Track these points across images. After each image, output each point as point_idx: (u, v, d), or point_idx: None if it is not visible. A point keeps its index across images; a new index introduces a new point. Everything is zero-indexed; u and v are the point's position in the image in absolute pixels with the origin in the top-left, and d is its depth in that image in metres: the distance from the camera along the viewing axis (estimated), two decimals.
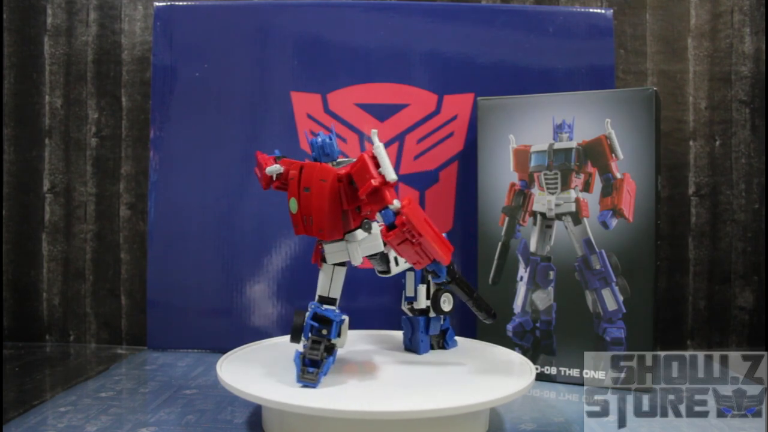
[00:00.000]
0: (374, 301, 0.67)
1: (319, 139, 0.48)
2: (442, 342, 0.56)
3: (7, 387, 0.56)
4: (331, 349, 0.46)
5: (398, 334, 0.60)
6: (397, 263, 0.51)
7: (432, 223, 0.44)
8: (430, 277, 0.52)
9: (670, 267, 0.77)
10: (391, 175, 0.45)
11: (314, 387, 0.44)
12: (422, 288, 0.54)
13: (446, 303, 0.54)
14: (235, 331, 0.68)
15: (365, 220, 0.49)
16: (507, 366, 0.50)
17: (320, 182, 0.46)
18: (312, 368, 0.45)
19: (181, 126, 0.70)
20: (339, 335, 0.47)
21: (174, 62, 0.70)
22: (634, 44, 0.78)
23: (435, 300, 0.53)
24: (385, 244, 0.47)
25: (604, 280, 0.57)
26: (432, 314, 0.54)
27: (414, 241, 0.43)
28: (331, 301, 0.50)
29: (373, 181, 0.45)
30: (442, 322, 0.55)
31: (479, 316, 0.50)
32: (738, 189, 0.78)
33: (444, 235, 0.46)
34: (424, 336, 0.54)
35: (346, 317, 0.47)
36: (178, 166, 0.70)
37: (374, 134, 0.47)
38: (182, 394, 0.54)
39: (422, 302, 0.54)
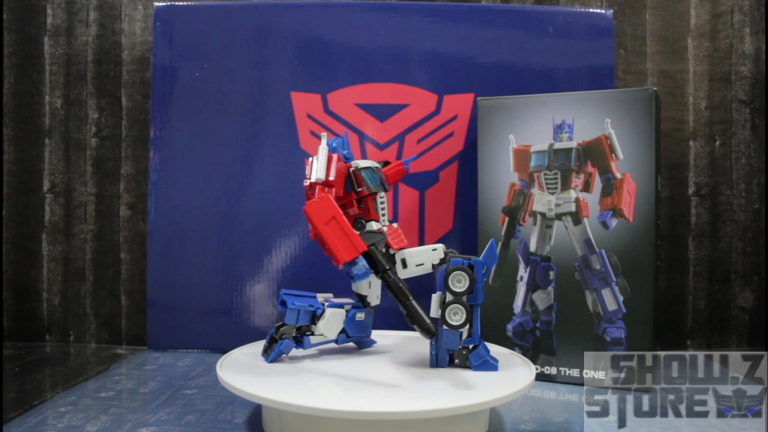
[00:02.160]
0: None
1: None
2: (467, 361, 0.48)
3: (7, 387, 0.56)
4: (300, 333, 0.50)
5: (411, 335, 0.60)
6: (405, 265, 0.50)
7: (344, 222, 0.43)
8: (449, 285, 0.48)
9: (670, 267, 0.77)
10: (316, 175, 0.46)
11: (267, 361, 0.48)
12: (435, 296, 0.48)
13: (456, 315, 0.47)
14: (235, 331, 0.68)
15: (357, 220, 0.49)
16: (507, 366, 0.50)
17: None
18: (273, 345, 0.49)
19: (181, 126, 0.70)
20: (311, 323, 0.49)
21: (174, 62, 0.70)
22: (634, 44, 0.78)
23: (443, 311, 0.48)
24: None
25: (604, 280, 0.57)
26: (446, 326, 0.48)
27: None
28: (361, 298, 0.52)
29: (304, 180, 0.47)
30: (465, 336, 0.48)
31: (416, 329, 0.44)
32: (738, 189, 0.78)
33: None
34: (433, 347, 0.49)
35: (331, 309, 0.49)
36: (178, 166, 0.70)
37: (323, 136, 0.48)
38: (182, 394, 0.54)
39: (433, 311, 0.48)
